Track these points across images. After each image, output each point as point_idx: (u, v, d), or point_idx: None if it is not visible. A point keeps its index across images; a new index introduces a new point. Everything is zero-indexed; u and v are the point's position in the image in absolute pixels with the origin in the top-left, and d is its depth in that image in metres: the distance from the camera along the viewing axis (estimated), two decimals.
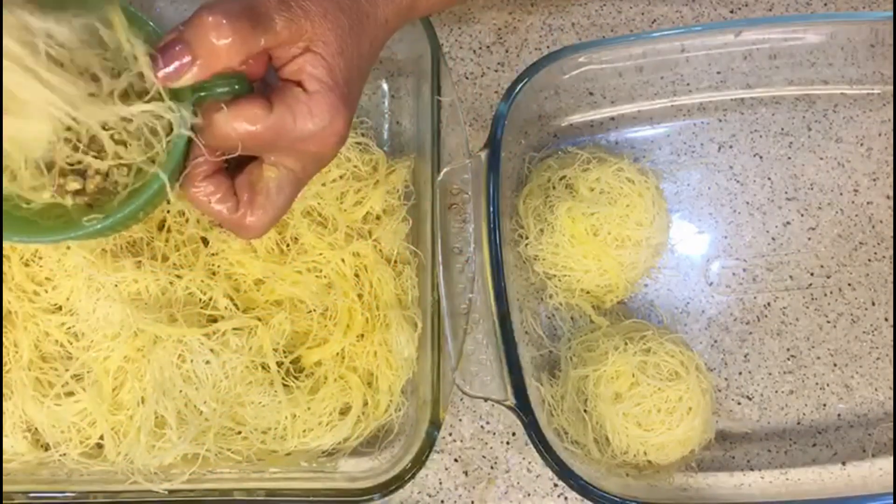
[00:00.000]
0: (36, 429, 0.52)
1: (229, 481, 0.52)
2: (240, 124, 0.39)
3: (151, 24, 0.40)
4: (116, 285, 0.53)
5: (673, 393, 0.54)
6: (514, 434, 0.59)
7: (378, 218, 0.57)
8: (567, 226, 0.58)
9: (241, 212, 0.42)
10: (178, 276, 0.53)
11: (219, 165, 0.42)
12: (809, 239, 0.64)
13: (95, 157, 0.39)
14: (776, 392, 0.61)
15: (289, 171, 0.42)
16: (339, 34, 0.40)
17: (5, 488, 0.50)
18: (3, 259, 0.53)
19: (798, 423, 0.60)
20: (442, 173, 0.52)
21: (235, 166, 0.43)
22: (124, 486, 0.51)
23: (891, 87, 0.65)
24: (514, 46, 0.67)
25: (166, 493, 0.50)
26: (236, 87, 0.39)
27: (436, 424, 0.50)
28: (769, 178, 0.65)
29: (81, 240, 0.41)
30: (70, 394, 0.52)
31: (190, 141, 0.39)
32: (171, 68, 0.37)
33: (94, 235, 0.40)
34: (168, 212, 0.54)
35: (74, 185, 0.39)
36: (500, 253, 0.52)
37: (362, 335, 0.55)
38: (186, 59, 0.37)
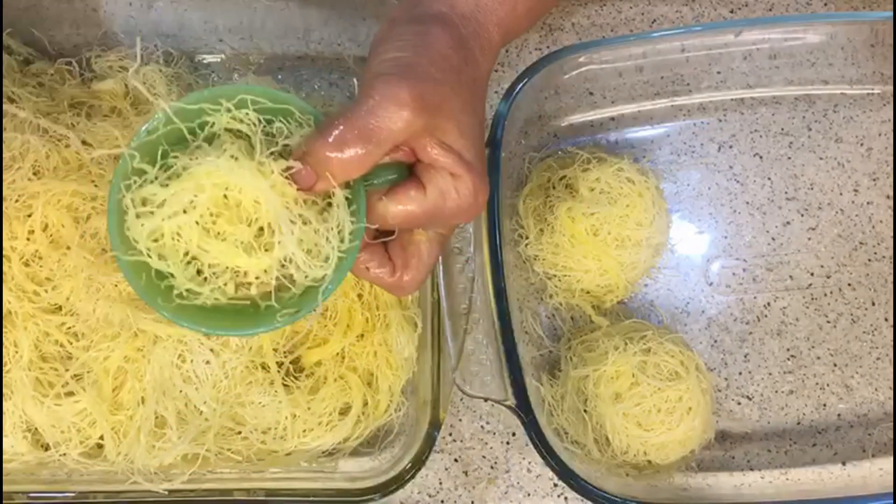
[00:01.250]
0: (36, 429, 0.52)
1: (229, 481, 0.52)
2: (398, 210, 0.42)
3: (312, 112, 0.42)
4: (116, 285, 0.53)
5: (673, 393, 0.54)
6: (514, 434, 0.59)
7: None
8: (567, 226, 0.58)
9: (398, 275, 0.45)
10: None
11: (378, 241, 0.45)
12: (809, 239, 0.64)
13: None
14: (776, 392, 0.61)
15: (436, 234, 0.45)
16: (457, 120, 0.42)
17: (5, 488, 0.50)
18: (3, 259, 0.53)
19: (798, 423, 0.60)
20: None
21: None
22: (124, 486, 0.51)
23: (891, 87, 0.65)
24: (514, 46, 0.67)
25: (166, 493, 0.50)
26: (395, 176, 0.42)
27: (436, 424, 0.50)
28: (769, 178, 0.65)
29: (273, 329, 0.43)
30: (70, 394, 0.52)
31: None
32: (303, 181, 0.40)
33: (285, 325, 0.42)
34: None
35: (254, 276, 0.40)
36: (500, 253, 0.52)
37: (362, 335, 0.55)
38: (312, 178, 0.40)
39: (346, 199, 0.40)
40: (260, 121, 0.41)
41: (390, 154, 0.41)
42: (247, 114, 0.40)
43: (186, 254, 0.39)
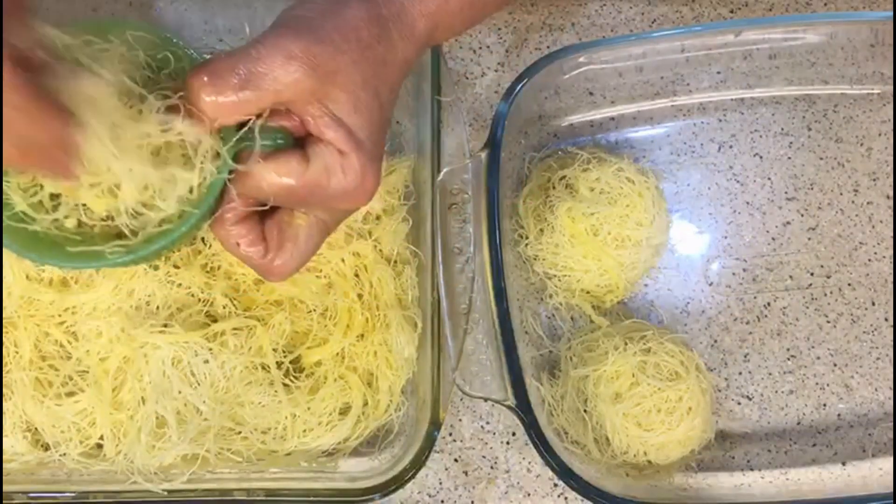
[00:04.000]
0: (36, 429, 0.52)
1: (229, 481, 0.52)
2: (277, 178, 0.39)
3: (188, 49, 0.40)
4: (117, 286, 0.53)
5: (673, 393, 0.54)
6: (514, 434, 0.59)
7: (378, 218, 0.57)
8: (567, 226, 0.58)
9: (270, 256, 0.42)
10: (177, 274, 0.53)
11: (250, 209, 0.42)
12: (809, 239, 0.64)
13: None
14: (776, 392, 0.61)
15: (318, 220, 0.43)
16: (353, 94, 0.40)
17: (5, 488, 0.50)
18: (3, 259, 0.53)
19: (798, 423, 0.60)
20: (442, 173, 0.52)
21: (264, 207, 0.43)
22: (124, 486, 0.51)
23: (891, 87, 0.65)
24: (514, 46, 0.67)
25: (166, 493, 0.50)
26: (279, 141, 0.40)
27: (436, 424, 0.50)
28: (769, 178, 0.65)
29: (102, 267, 0.41)
30: (70, 394, 0.52)
31: (224, 185, 0.39)
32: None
33: (117, 266, 0.40)
34: None
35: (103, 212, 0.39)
36: (500, 253, 0.52)
37: (362, 335, 0.55)
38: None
39: (216, 151, 0.38)
40: (148, 64, 0.39)
41: (277, 120, 0.40)
42: (137, 55, 0.38)
43: (32, 180, 0.37)
